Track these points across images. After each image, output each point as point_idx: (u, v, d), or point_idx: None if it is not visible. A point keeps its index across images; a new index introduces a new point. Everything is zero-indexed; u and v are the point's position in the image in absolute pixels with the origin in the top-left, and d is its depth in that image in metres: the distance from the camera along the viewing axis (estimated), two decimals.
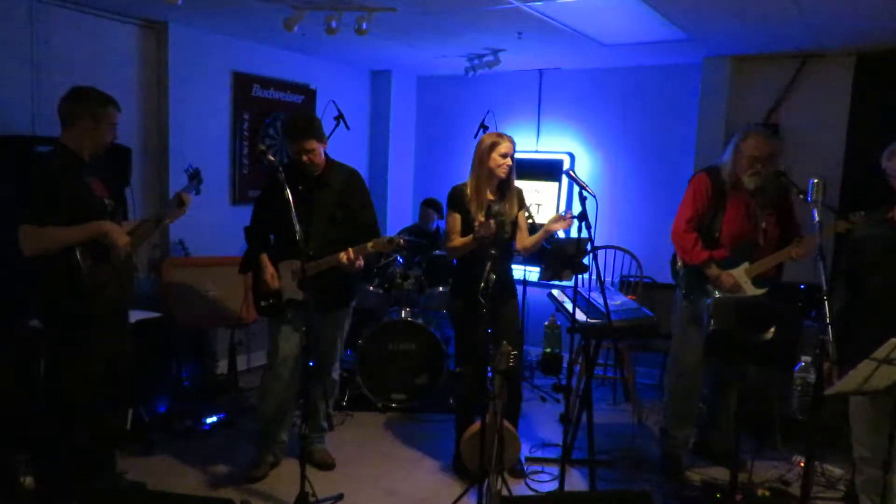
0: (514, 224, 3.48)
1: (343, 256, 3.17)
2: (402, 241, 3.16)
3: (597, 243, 3.11)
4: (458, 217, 3.42)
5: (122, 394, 3.20)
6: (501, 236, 3.36)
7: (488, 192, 3.42)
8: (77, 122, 2.81)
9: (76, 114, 2.81)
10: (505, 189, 3.45)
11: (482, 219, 3.25)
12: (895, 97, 4.44)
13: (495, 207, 3.39)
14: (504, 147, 3.37)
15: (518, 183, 3.54)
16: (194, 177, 3.36)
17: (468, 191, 3.42)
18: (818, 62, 4.67)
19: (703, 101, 4.97)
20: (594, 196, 3.04)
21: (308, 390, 3.22)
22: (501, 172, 3.38)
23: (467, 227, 3.36)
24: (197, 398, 4.41)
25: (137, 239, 3.02)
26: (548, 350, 4.78)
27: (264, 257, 3.39)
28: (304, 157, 3.29)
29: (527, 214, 3.62)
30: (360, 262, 3.24)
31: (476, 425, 3.15)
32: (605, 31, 4.29)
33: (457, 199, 3.44)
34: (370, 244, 3.15)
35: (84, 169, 2.86)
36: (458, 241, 3.39)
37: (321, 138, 3.33)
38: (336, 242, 3.22)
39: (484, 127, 4.84)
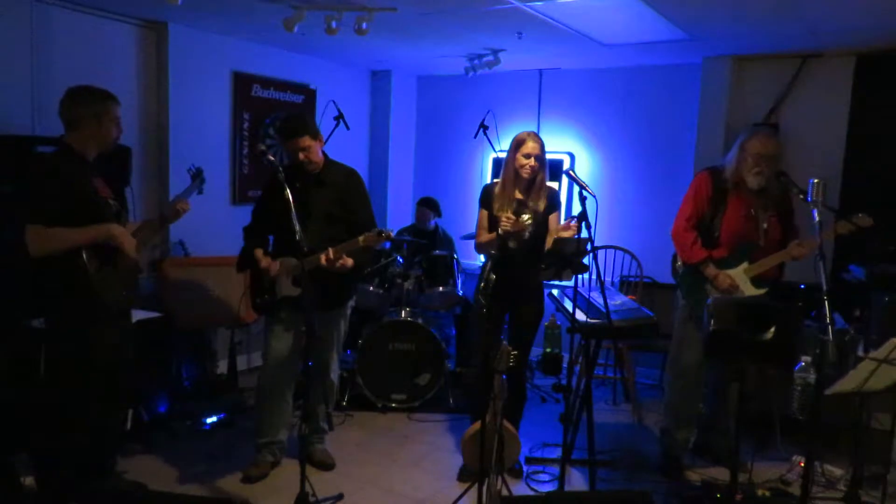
0: (541, 225, 3.44)
1: (322, 257, 3.16)
2: (391, 233, 3.14)
3: (597, 243, 3.10)
4: (485, 213, 3.49)
5: (123, 394, 3.20)
6: (522, 236, 3.34)
7: (516, 192, 3.41)
8: (81, 124, 2.81)
9: (79, 116, 2.81)
10: (532, 189, 3.44)
11: (508, 216, 3.25)
12: (895, 97, 4.45)
13: (525, 206, 3.38)
14: (528, 147, 3.36)
15: None
16: (197, 176, 3.36)
17: (497, 189, 3.44)
18: (818, 62, 4.67)
19: (703, 101, 4.97)
20: (594, 196, 3.04)
21: (307, 390, 3.22)
22: (525, 173, 3.38)
23: (493, 224, 3.39)
24: (197, 398, 4.41)
25: (141, 241, 3.03)
26: (548, 350, 4.79)
27: (258, 251, 3.39)
28: (301, 156, 3.29)
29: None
30: (345, 262, 3.20)
31: (476, 425, 3.16)
32: (606, 31, 4.28)
33: (486, 195, 3.51)
34: (361, 238, 3.13)
35: (88, 169, 2.86)
36: (485, 236, 3.46)
37: (315, 135, 3.34)
38: (333, 241, 3.21)
39: (484, 127, 4.84)
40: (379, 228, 3.14)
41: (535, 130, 5.71)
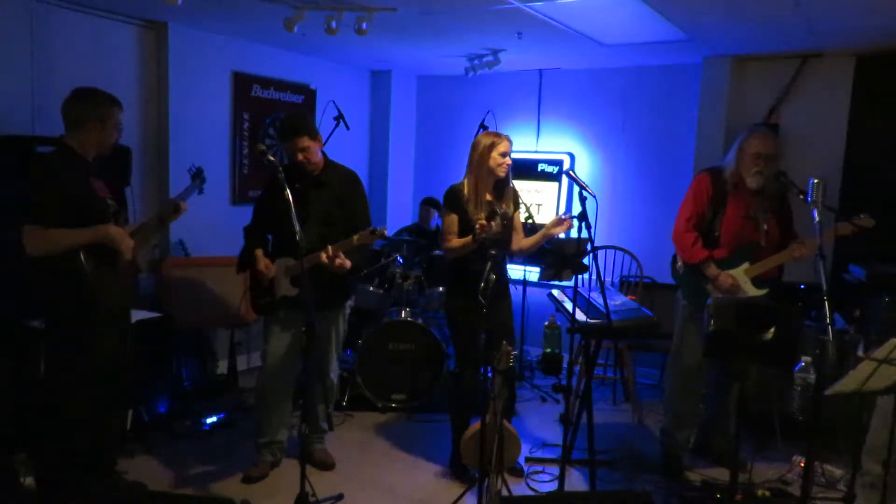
0: (509, 225, 3.45)
1: (323, 255, 3.17)
2: (384, 230, 3.13)
3: (597, 243, 3.11)
4: (455, 218, 3.40)
5: (122, 394, 3.20)
6: (502, 237, 3.35)
7: (487, 193, 3.41)
8: (84, 124, 2.81)
9: (83, 116, 2.80)
10: (502, 189, 3.45)
11: (483, 219, 3.24)
12: (895, 97, 4.44)
13: (499, 208, 3.38)
14: (503, 146, 3.36)
15: (518, 183, 3.53)
16: (197, 176, 3.36)
17: (465, 191, 3.40)
18: (818, 62, 4.67)
19: (703, 101, 4.97)
20: (594, 196, 3.04)
21: (307, 390, 3.21)
22: (501, 172, 3.36)
23: (465, 228, 3.35)
24: (197, 398, 4.41)
25: (140, 241, 3.02)
26: (548, 350, 4.78)
27: (258, 252, 3.38)
28: (300, 156, 3.29)
29: (526, 215, 3.62)
30: (343, 261, 3.20)
31: (476, 425, 3.15)
32: (605, 31, 4.28)
33: (454, 199, 3.42)
34: (355, 237, 3.14)
35: (88, 170, 2.86)
36: (456, 241, 3.37)
37: (314, 135, 3.33)
38: (331, 242, 3.21)
39: (484, 127, 4.84)
40: (372, 227, 3.13)
41: (536, 130, 5.82)
